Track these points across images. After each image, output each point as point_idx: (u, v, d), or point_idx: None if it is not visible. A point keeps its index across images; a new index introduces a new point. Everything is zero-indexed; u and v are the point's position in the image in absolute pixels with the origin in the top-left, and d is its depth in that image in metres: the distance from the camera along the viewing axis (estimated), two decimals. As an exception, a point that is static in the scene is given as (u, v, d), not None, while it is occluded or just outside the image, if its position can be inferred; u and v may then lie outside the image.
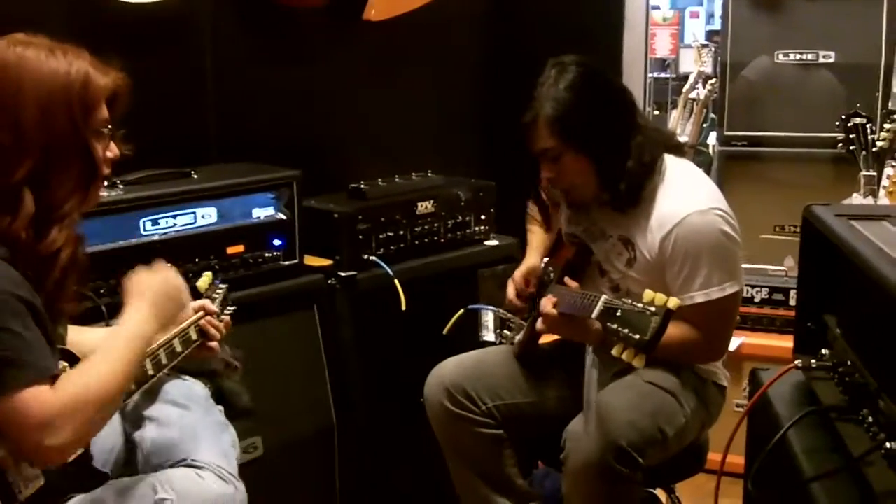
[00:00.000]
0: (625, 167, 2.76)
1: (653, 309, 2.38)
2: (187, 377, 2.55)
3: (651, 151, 2.79)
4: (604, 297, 2.51)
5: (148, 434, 2.40)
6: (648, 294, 2.40)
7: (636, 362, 2.44)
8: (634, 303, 2.42)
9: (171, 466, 2.33)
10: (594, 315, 2.50)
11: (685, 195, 2.77)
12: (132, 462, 2.40)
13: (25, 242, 2.00)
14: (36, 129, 2.02)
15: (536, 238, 3.26)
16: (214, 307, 2.58)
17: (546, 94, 2.77)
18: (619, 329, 2.42)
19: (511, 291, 3.09)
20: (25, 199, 2.01)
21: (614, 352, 2.44)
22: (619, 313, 2.43)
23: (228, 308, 2.71)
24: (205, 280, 2.68)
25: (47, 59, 2.06)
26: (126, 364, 2.07)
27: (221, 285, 2.73)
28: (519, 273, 3.12)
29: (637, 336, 2.38)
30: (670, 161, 2.84)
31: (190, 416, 2.47)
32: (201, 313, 2.54)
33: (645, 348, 2.39)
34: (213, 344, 2.55)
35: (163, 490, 2.22)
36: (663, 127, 3.09)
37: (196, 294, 2.61)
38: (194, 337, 2.50)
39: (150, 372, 2.33)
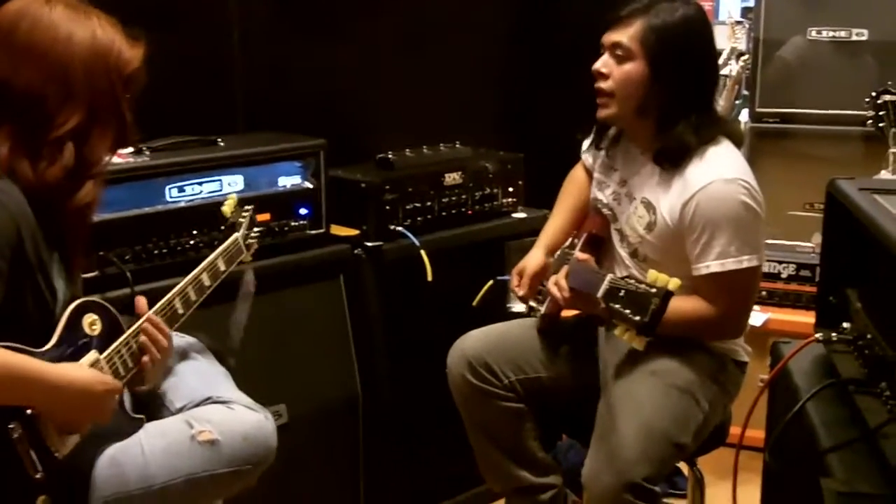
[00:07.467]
0: (679, 123, 2.71)
1: (654, 290, 2.38)
2: (183, 334, 2.57)
3: (710, 133, 2.75)
4: (609, 276, 2.51)
5: (165, 384, 2.44)
6: (652, 274, 2.41)
7: (637, 344, 2.46)
8: (638, 283, 2.43)
9: (197, 406, 2.39)
10: (599, 294, 2.53)
11: (713, 164, 2.72)
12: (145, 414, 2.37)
13: (59, 192, 2.08)
14: (83, 85, 2.11)
15: (553, 222, 3.18)
16: (157, 318, 2.36)
17: (662, 6, 2.71)
18: (622, 309, 2.43)
19: (518, 291, 3.03)
20: (66, 152, 2.08)
21: (616, 332, 2.45)
22: (622, 293, 2.45)
23: (255, 230, 2.77)
24: (230, 204, 2.73)
25: (88, 21, 2.15)
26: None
27: (247, 207, 2.77)
28: (527, 276, 3.01)
29: (638, 317, 2.38)
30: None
31: (200, 365, 2.54)
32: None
33: (644, 329, 2.39)
34: (145, 359, 2.29)
35: (199, 424, 2.28)
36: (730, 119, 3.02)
37: (222, 219, 2.71)
38: (207, 283, 2.53)
39: (181, 311, 2.40)
